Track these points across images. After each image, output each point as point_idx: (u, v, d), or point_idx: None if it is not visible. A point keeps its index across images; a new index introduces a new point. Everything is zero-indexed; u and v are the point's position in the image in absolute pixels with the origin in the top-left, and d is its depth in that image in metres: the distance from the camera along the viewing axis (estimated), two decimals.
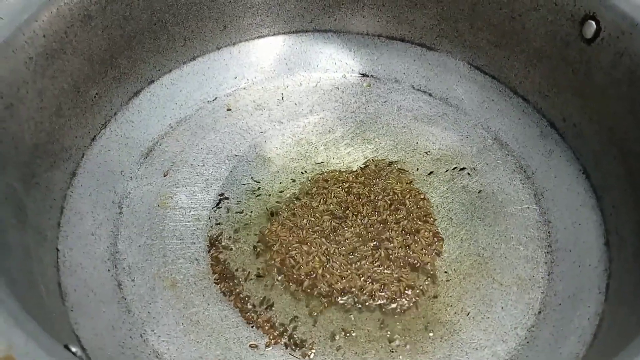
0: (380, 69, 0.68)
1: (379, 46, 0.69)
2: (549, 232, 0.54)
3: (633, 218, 0.48)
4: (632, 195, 0.49)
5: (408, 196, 0.55)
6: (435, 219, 0.55)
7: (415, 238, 0.52)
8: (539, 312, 0.49)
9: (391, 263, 0.51)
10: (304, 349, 0.46)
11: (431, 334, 0.47)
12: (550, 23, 0.56)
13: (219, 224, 0.54)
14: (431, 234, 0.53)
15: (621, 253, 0.49)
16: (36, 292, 0.41)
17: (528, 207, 0.56)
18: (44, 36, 0.47)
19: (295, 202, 0.55)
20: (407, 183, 0.57)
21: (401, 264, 0.51)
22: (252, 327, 0.48)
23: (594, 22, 0.52)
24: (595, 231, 0.52)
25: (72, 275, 0.47)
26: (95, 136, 0.57)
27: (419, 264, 0.51)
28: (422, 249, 0.52)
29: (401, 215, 0.54)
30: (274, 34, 0.67)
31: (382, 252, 0.51)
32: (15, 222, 0.42)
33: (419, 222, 0.54)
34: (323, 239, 0.52)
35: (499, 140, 0.62)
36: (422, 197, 0.56)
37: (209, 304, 0.49)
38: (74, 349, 0.35)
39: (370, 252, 0.51)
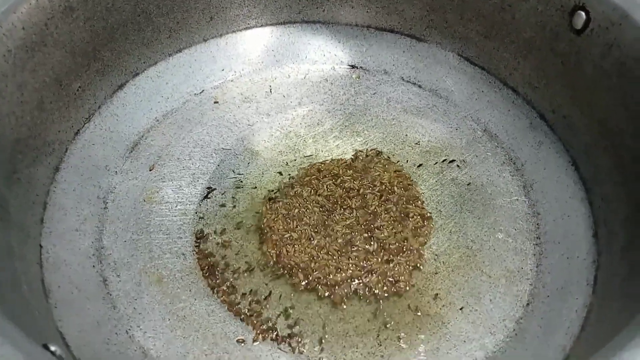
0: (369, 60, 0.68)
1: (368, 37, 0.68)
2: (537, 224, 0.54)
3: (622, 210, 0.48)
4: (622, 188, 0.49)
5: (396, 182, 0.55)
6: (424, 202, 0.55)
7: (404, 223, 0.52)
8: (527, 304, 0.49)
9: (381, 254, 0.50)
10: (293, 342, 0.46)
11: (419, 327, 0.47)
12: (540, 14, 0.55)
13: (205, 217, 0.54)
14: (419, 216, 0.53)
15: (610, 245, 0.49)
16: (18, 291, 0.40)
17: (517, 199, 0.56)
18: (23, 28, 0.46)
19: (286, 193, 0.55)
20: (395, 171, 0.57)
21: (391, 254, 0.50)
22: (240, 321, 0.47)
23: (583, 13, 0.51)
24: (584, 223, 0.52)
25: (56, 271, 0.47)
26: (79, 130, 0.56)
27: (409, 251, 0.51)
28: (412, 234, 0.52)
29: (390, 205, 0.53)
30: (262, 25, 0.66)
31: (373, 243, 0.51)
32: None
33: (409, 206, 0.53)
34: (314, 232, 0.51)
35: (489, 132, 0.61)
36: (409, 182, 0.56)
37: (195, 299, 0.48)
38: (53, 348, 0.34)
39: (361, 242, 0.51)
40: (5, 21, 0.45)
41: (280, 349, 0.46)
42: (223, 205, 0.54)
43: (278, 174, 0.57)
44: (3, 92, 0.45)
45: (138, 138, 0.59)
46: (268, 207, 0.53)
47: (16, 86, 0.46)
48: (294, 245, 0.50)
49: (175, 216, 0.54)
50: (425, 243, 0.52)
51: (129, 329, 0.46)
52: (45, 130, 0.51)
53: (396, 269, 0.50)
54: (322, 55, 0.68)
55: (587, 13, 0.51)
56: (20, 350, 0.29)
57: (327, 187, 0.55)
